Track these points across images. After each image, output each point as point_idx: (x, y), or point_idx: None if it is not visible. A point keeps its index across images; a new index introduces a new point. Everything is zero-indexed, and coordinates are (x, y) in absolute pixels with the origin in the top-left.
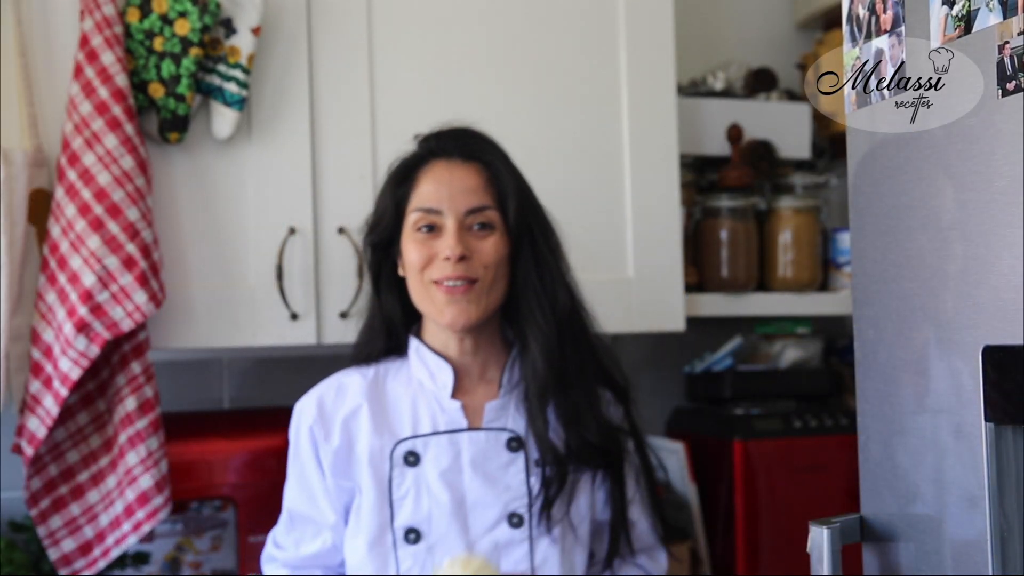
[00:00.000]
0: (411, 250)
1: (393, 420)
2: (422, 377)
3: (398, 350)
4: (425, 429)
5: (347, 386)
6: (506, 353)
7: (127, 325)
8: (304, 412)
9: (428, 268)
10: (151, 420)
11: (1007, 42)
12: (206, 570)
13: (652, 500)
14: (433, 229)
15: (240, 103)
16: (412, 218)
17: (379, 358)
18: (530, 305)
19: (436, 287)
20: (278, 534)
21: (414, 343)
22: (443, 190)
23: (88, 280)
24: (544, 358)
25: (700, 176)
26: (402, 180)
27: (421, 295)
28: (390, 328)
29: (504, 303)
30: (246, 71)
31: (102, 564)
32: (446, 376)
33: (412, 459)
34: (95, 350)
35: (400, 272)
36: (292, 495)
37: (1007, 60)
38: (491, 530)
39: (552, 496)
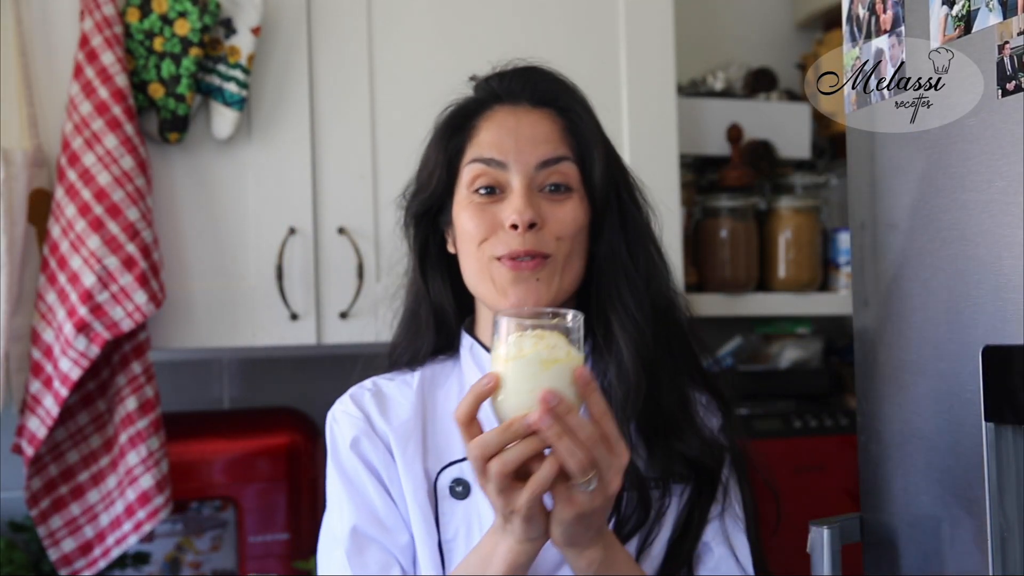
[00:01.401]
0: (466, 218)
1: (441, 441)
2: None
3: (447, 348)
4: None
5: (390, 396)
6: None
7: (127, 325)
8: (343, 419)
9: (488, 240)
10: (151, 420)
11: (1007, 42)
12: (206, 570)
13: (748, 528)
14: (494, 192)
15: (240, 103)
16: (468, 173)
17: (424, 360)
18: (618, 289)
19: (498, 263)
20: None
21: (467, 342)
22: (508, 139)
23: (88, 280)
24: (635, 358)
25: (700, 176)
26: (456, 130)
27: (478, 274)
28: (440, 321)
29: (581, 284)
30: (246, 71)
31: (102, 564)
32: None
33: (460, 489)
34: (95, 350)
35: (450, 248)
36: (346, 517)
37: (1007, 60)
38: (556, 570)
39: (630, 531)
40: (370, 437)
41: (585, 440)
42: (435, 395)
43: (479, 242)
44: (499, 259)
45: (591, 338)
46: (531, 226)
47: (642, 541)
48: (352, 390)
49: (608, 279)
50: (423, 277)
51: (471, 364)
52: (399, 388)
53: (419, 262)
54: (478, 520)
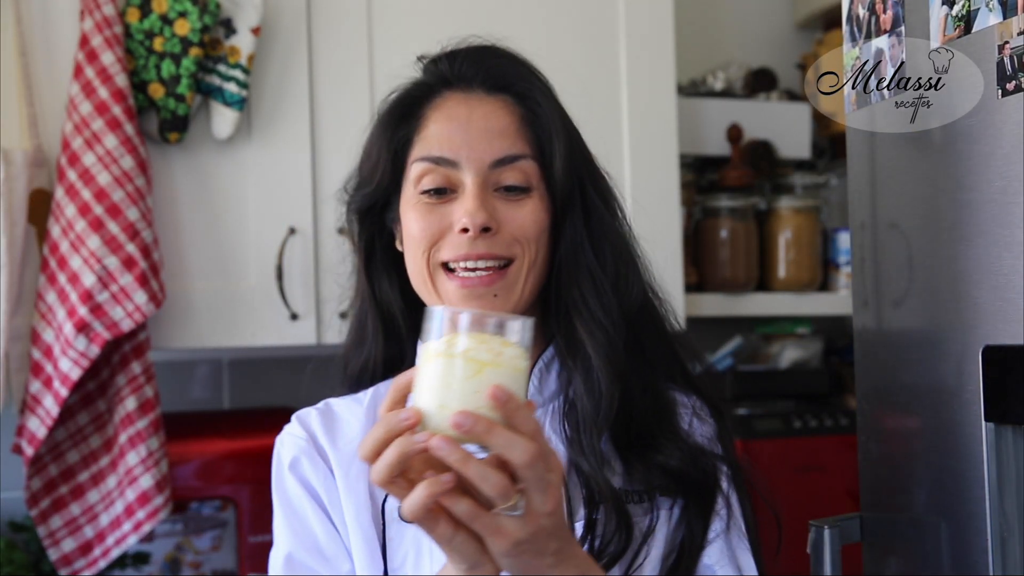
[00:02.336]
0: (412, 219)
1: None
2: None
3: (400, 360)
4: None
5: (339, 416)
6: (537, 352)
7: (127, 325)
8: (287, 440)
9: (437, 245)
10: (151, 420)
11: (1007, 42)
12: (206, 570)
13: (751, 546)
14: (444, 192)
15: (240, 103)
16: (415, 172)
17: (375, 374)
18: (583, 293)
19: (446, 275)
20: None
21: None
22: (459, 133)
23: (88, 280)
24: (605, 366)
25: (700, 176)
26: (401, 119)
27: (423, 283)
28: (389, 329)
29: (544, 285)
30: (246, 71)
31: (102, 564)
32: None
33: None
34: (95, 350)
35: (398, 245)
36: (282, 544)
37: (1007, 60)
38: None
39: (613, 555)
40: (311, 458)
41: (516, 459)
42: None
43: (427, 246)
44: (447, 268)
45: (554, 345)
46: (485, 230)
47: (627, 566)
48: (301, 411)
49: (571, 282)
50: (368, 279)
51: None
52: (348, 407)
53: (364, 263)
54: (428, 545)
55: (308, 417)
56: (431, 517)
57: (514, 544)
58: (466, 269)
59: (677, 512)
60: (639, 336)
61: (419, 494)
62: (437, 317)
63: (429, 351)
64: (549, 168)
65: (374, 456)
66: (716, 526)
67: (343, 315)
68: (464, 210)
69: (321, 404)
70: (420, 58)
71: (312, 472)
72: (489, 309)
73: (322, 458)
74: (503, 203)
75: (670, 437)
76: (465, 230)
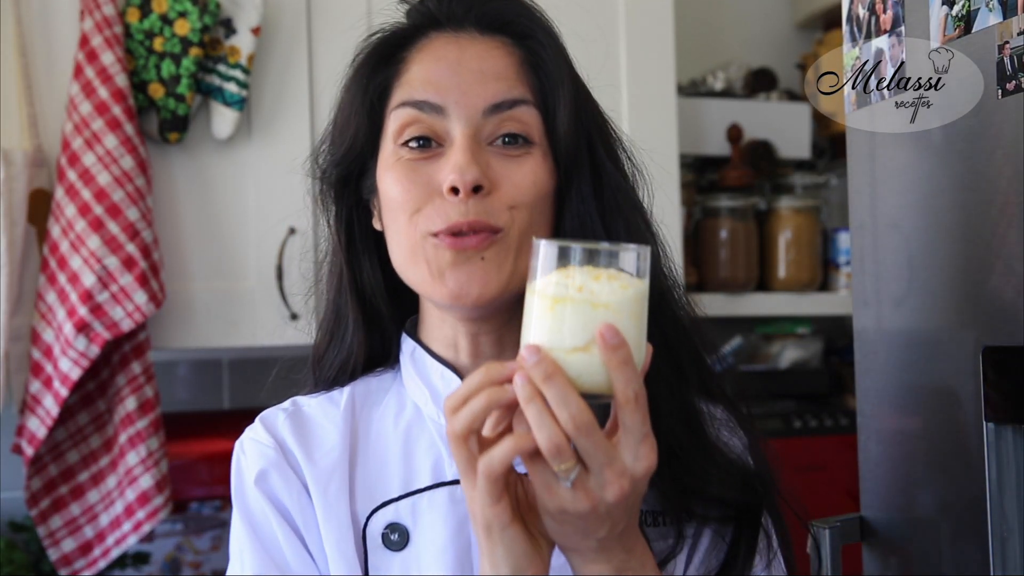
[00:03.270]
0: (391, 181)
1: (373, 474)
2: (419, 399)
3: (382, 357)
4: (424, 481)
5: (311, 420)
6: None
7: (127, 325)
8: (251, 449)
9: (422, 211)
10: (151, 420)
11: (1007, 42)
12: (206, 570)
13: (787, 568)
14: (429, 144)
15: (240, 103)
16: (395, 121)
17: (354, 372)
18: None
19: (434, 240)
20: None
21: (408, 346)
22: (448, 75)
23: (88, 280)
24: None
25: (700, 176)
26: (380, 65)
27: (408, 256)
28: (371, 320)
29: None
30: (246, 71)
31: (102, 564)
32: None
33: (396, 538)
34: (95, 350)
35: (376, 224)
36: (247, 570)
37: (1007, 60)
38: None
39: None
40: (282, 471)
41: (564, 420)
42: (368, 417)
43: (410, 213)
44: (436, 235)
45: None
46: (476, 190)
47: None
48: (265, 412)
49: None
50: (348, 264)
51: (413, 376)
52: (323, 408)
53: (345, 245)
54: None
55: (275, 421)
56: (496, 490)
57: (561, 511)
58: (454, 234)
59: (706, 541)
60: (660, 331)
61: (504, 447)
62: (541, 252)
63: (533, 291)
64: (552, 119)
65: (461, 407)
66: (757, 565)
67: (295, 316)
68: (453, 165)
69: (288, 404)
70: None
71: (283, 487)
72: (478, 275)
73: (294, 471)
74: (498, 159)
75: (703, 454)
76: (454, 190)
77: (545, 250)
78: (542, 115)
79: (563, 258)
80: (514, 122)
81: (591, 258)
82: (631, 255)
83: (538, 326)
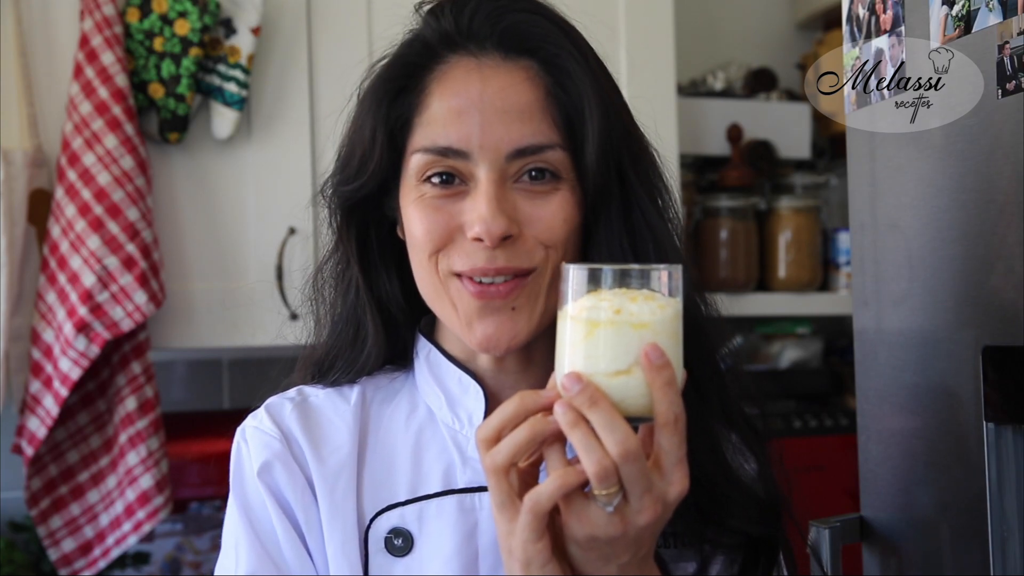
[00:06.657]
0: (415, 219)
1: (380, 475)
2: (433, 402)
3: (396, 357)
4: (433, 487)
5: (320, 412)
6: None
7: (127, 325)
8: (254, 438)
9: (445, 250)
10: (151, 420)
11: (1007, 42)
12: (206, 570)
13: None
14: (452, 181)
15: (240, 103)
16: (416, 164)
17: (360, 372)
18: None
19: (459, 283)
20: None
21: (424, 348)
22: (469, 115)
23: (88, 280)
24: None
25: (700, 176)
26: (397, 93)
27: (433, 293)
28: (388, 324)
29: None
30: (246, 71)
31: (102, 564)
32: (473, 402)
33: (400, 543)
34: (95, 350)
35: (400, 233)
36: (241, 566)
37: (1007, 60)
38: None
39: None
40: (287, 464)
41: (610, 446)
42: (379, 416)
43: (431, 253)
44: (459, 276)
45: None
46: (505, 238)
47: None
48: (271, 400)
49: None
50: (364, 275)
51: (428, 378)
52: (332, 402)
53: (359, 258)
54: None
55: (282, 410)
56: (541, 527)
57: (590, 538)
58: (480, 278)
59: (718, 566)
60: (692, 360)
61: (553, 484)
62: (571, 277)
63: (566, 315)
64: (580, 155)
65: (496, 438)
66: None
67: (295, 316)
68: (478, 215)
69: (294, 393)
70: (419, 6)
71: (287, 482)
72: (507, 325)
73: (300, 466)
74: (525, 197)
75: (725, 482)
76: (478, 238)
77: (575, 275)
78: (570, 154)
79: (593, 282)
80: (540, 160)
81: (623, 280)
82: (663, 275)
83: (574, 351)
